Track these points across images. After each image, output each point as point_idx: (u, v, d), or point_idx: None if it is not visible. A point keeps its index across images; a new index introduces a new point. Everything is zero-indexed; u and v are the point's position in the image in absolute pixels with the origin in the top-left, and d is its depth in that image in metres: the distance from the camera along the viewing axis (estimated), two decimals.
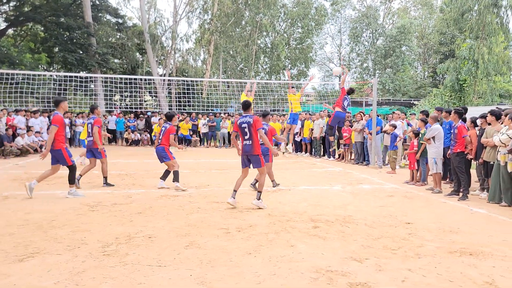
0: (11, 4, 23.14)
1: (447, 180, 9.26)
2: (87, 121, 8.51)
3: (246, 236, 4.85)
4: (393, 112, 12.50)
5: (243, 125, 6.26)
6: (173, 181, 7.83)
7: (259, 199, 6.36)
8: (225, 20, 26.13)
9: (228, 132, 19.78)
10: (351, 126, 13.37)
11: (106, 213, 5.93)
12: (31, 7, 22.98)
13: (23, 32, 26.29)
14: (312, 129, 15.23)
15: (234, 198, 6.38)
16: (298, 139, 15.95)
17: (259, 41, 29.83)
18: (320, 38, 40.73)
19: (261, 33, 29.40)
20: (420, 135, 9.15)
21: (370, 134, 12.04)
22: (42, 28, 23.94)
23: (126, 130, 19.69)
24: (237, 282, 3.50)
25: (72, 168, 7.02)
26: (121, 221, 5.46)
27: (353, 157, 13.65)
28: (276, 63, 30.11)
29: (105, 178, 8.18)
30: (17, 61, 18.04)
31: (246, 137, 6.24)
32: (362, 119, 12.89)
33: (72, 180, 7.06)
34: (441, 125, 8.42)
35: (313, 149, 15.39)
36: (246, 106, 6.44)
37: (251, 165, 6.48)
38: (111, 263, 3.91)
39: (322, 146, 15.05)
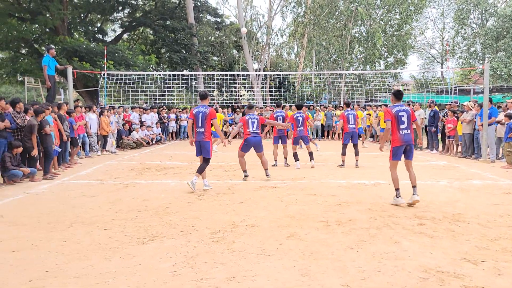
0: (125, 11, 25.76)
1: None
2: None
3: (347, 230, 4.82)
4: (507, 101, 11.21)
5: (401, 114, 6.15)
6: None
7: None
8: (319, 12, 25.78)
9: (322, 124, 19.63)
10: (457, 117, 12.33)
11: (212, 202, 6.36)
12: (142, 13, 25.34)
13: (135, 36, 29.11)
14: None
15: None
16: None
17: (353, 30, 28.84)
18: (420, 23, 37.92)
19: (356, 22, 28.37)
20: None
21: (481, 125, 10.97)
22: (151, 31, 26.23)
23: (225, 124, 20.68)
24: (340, 276, 3.51)
25: (208, 161, 7.24)
26: (226, 210, 5.82)
27: (459, 149, 12.60)
28: (372, 52, 28.79)
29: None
30: (132, 63, 20.08)
31: (403, 126, 6.12)
32: (471, 109, 11.81)
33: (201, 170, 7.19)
34: None
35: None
36: (399, 94, 6.38)
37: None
38: (220, 249, 4.20)
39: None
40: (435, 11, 40.53)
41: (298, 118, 10.02)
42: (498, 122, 10.86)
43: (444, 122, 13.07)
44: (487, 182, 8.01)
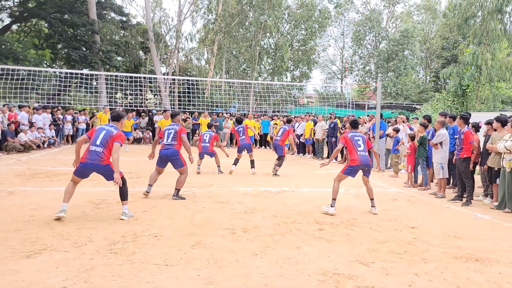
0: (15, 0, 23.18)
1: (450, 185, 9.27)
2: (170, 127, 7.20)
3: (252, 237, 4.86)
4: (396, 117, 12.54)
5: (356, 138, 6.54)
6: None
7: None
8: (229, 20, 26.15)
9: (231, 132, 19.85)
10: None
11: (111, 210, 5.94)
12: (35, 3, 22.99)
13: (27, 28, 26.29)
14: (314, 131, 15.29)
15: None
16: (302, 140, 15.98)
17: (262, 42, 29.85)
18: (323, 40, 40.78)
19: (265, 34, 29.42)
20: (419, 138, 9.18)
21: (374, 137, 12.07)
22: (46, 25, 23.94)
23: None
24: (244, 283, 3.51)
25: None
26: (127, 219, 5.47)
27: None
28: (280, 64, 30.09)
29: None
30: (21, 57, 18.03)
31: (361, 149, 6.45)
32: (366, 122, 12.93)
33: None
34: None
35: (316, 151, 15.43)
36: (354, 123, 6.85)
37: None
38: (119, 261, 3.92)
39: (322, 147, 15.10)
40: (337, 30, 43.96)
41: (240, 129, 10.71)
42: (387, 135, 12.03)
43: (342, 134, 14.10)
44: (377, 190, 8.76)
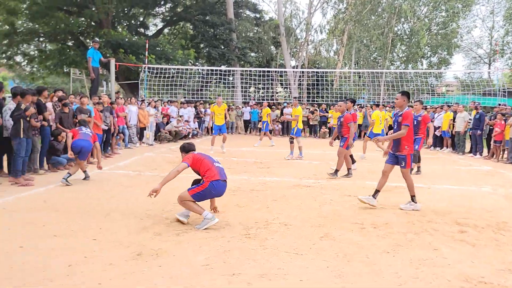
0: (167, 5, 26.25)
1: None
2: None
3: (382, 234, 4.69)
4: None
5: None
6: None
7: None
8: (360, 8, 25.24)
9: (359, 124, 19.20)
10: (505, 120, 11.69)
11: (245, 198, 6.36)
12: (183, 8, 25.71)
13: (175, 31, 29.62)
14: (453, 122, 13.86)
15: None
16: (437, 133, 14.64)
17: (396, 28, 28.02)
18: (468, 21, 36.21)
19: (399, 20, 27.54)
20: None
21: None
22: (191, 26, 26.55)
23: (260, 121, 20.73)
24: (376, 281, 3.41)
25: None
26: (259, 207, 5.80)
27: (506, 155, 11.95)
28: (415, 51, 27.87)
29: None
30: (171, 57, 20.46)
31: None
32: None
33: None
34: None
35: (456, 145, 13.99)
36: None
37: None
38: (253, 245, 4.19)
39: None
40: (484, 8, 38.57)
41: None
42: None
43: (492, 126, 12.44)
44: None
